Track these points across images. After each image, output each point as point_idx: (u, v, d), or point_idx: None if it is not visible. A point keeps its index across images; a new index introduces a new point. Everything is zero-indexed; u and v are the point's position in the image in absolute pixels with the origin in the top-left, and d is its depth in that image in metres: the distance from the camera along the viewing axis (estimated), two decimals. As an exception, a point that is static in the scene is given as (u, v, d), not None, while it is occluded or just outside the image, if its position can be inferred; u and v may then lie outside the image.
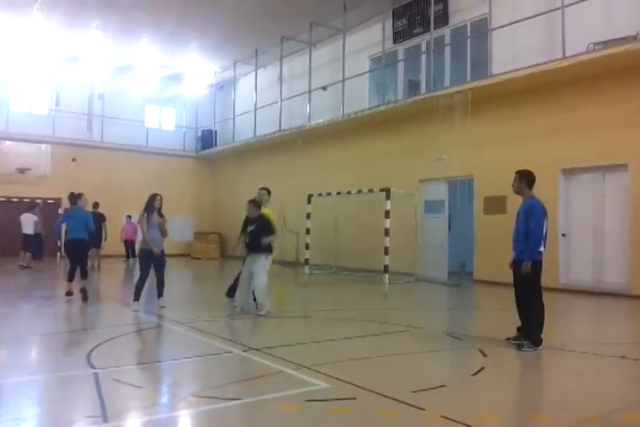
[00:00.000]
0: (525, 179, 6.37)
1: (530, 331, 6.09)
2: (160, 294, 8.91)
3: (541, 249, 6.13)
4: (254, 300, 8.58)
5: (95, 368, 5.02)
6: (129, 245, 18.34)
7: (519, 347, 6.00)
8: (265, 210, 8.97)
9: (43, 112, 21.66)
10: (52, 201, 20.74)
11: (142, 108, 23.76)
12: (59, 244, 15.72)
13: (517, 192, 6.46)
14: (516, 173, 6.46)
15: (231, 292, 9.13)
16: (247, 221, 8.64)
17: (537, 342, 6.01)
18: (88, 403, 4.08)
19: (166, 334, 7.09)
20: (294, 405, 4.07)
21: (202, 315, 8.27)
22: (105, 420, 3.71)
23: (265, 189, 9.39)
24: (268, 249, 8.51)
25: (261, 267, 8.37)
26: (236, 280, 9.03)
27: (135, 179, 21.15)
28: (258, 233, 8.38)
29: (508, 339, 6.30)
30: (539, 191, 12.13)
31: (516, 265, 6.29)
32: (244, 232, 8.61)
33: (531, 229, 6.06)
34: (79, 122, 21.95)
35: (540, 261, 6.17)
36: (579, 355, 6.01)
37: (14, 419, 3.70)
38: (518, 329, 6.32)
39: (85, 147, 21.64)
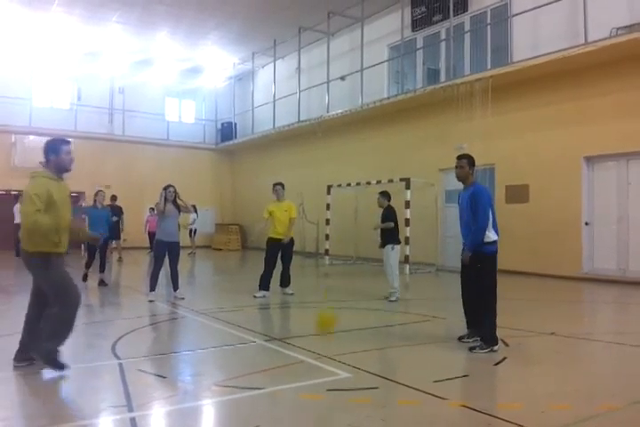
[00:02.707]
0: (472, 163, 5.93)
1: (484, 330, 5.53)
2: (176, 287, 9.02)
3: (495, 238, 5.62)
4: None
5: (120, 359, 5.10)
6: (153, 236, 18.55)
7: (472, 349, 5.46)
8: (285, 203, 9.51)
9: (65, 107, 21.92)
10: (75, 195, 21.00)
11: (162, 101, 23.94)
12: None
13: (464, 178, 5.96)
14: (463, 157, 5.95)
15: (265, 284, 9.35)
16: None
17: (493, 341, 5.47)
18: (113, 393, 4.15)
19: (190, 325, 7.17)
20: (316, 394, 4.10)
21: (224, 305, 8.35)
22: (130, 409, 3.77)
23: (280, 184, 9.68)
24: (391, 240, 8.91)
25: (388, 257, 8.90)
26: (266, 271, 9.32)
27: (156, 172, 21.32)
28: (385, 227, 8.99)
29: (460, 338, 5.87)
30: (562, 179, 12.03)
31: (468, 258, 5.77)
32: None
33: (477, 218, 5.55)
34: (101, 116, 22.19)
35: (496, 252, 5.69)
36: (603, 344, 5.95)
37: (42, 409, 3.78)
38: (468, 325, 5.89)
39: (107, 140, 21.87)
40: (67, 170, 4.86)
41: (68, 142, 4.94)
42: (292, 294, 9.42)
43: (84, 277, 10.82)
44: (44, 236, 4.51)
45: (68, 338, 4.72)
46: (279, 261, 9.49)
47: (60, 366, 4.54)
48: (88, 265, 10.92)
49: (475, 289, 5.77)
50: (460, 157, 5.97)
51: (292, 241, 9.56)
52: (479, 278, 5.69)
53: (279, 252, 9.42)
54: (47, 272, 4.62)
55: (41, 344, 4.60)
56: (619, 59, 10.77)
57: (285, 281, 9.57)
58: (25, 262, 4.67)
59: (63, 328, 4.67)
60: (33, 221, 4.43)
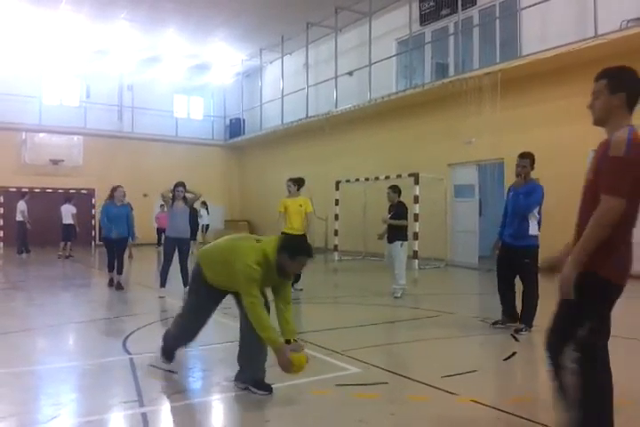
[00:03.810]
0: (533, 161, 6.19)
1: (530, 316, 6.09)
2: (186, 283, 8.97)
3: (538, 233, 6.17)
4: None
5: (131, 354, 5.13)
6: (162, 233, 18.63)
7: (517, 332, 6.00)
8: (300, 199, 9.37)
9: (74, 104, 22.04)
10: (85, 191, 21.15)
11: (171, 98, 24.00)
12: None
13: (525, 176, 6.19)
14: (526, 157, 6.15)
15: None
16: (389, 209, 9.06)
17: (531, 325, 6.09)
18: (124, 388, 4.17)
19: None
20: (325, 389, 4.11)
21: (233, 301, 8.34)
22: (141, 404, 3.80)
23: (291, 179, 9.55)
24: (401, 236, 8.80)
25: (397, 253, 8.76)
26: None
27: (165, 168, 21.37)
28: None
29: (494, 323, 6.31)
30: (571, 174, 11.93)
31: (510, 250, 6.17)
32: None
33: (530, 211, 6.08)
34: (110, 113, 22.29)
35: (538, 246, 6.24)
36: (613, 339, 5.89)
37: (54, 404, 3.81)
38: (504, 314, 6.26)
39: (116, 138, 21.96)
40: (285, 276, 4.01)
41: (309, 255, 3.95)
42: (300, 289, 9.43)
43: (116, 284, 9.65)
44: None
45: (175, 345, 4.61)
46: None
47: (169, 360, 4.56)
48: (111, 267, 9.82)
49: (512, 281, 6.25)
50: (522, 157, 6.20)
51: (304, 236, 9.53)
52: (527, 270, 6.14)
53: None
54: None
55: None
56: (629, 51, 10.64)
57: (296, 276, 9.56)
58: None
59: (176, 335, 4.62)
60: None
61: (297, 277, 9.51)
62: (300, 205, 9.28)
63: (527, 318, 6.10)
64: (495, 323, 6.31)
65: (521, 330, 6.02)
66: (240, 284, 3.91)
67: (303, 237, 9.42)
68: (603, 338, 2.99)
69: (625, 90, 2.86)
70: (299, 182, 9.49)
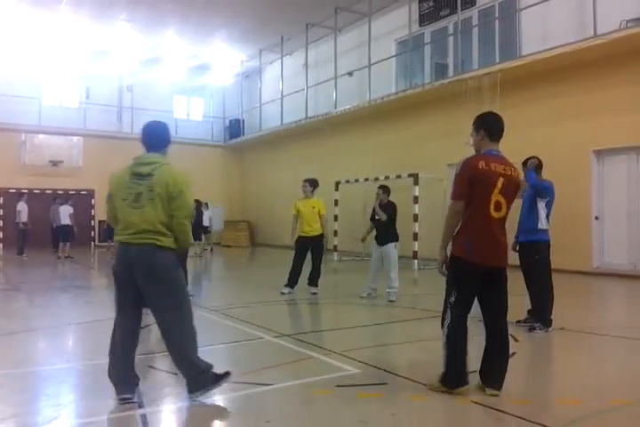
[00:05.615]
0: (540, 166, 6.74)
1: (541, 312, 6.18)
2: (186, 284, 8.90)
3: (546, 227, 6.58)
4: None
5: (130, 355, 5.12)
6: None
7: (531, 329, 6.06)
8: (314, 200, 9.30)
9: (73, 105, 22.04)
10: (84, 192, 21.13)
11: (170, 98, 24.01)
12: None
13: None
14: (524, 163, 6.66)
15: (292, 282, 9.20)
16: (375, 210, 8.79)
17: (548, 323, 6.11)
18: (124, 389, 4.16)
19: (199, 321, 7.11)
20: (325, 390, 4.11)
21: (234, 302, 8.37)
22: (141, 406, 3.80)
23: (307, 180, 9.49)
24: (395, 237, 8.63)
25: (393, 255, 8.56)
26: (294, 269, 9.10)
27: (165, 169, 21.30)
28: (387, 224, 8.55)
29: (518, 322, 6.28)
30: (571, 174, 11.95)
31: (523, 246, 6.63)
32: (373, 221, 8.83)
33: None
34: (109, 114, 22.29)
35: (549, 241, 6.61)
36: (613, 339, 5.93)
37: (53, 405, 3.82)
38: (529, 312, 6.37)
39: (116, 138, 21.92)
40: None
41: None
42: (314, 293, 9.13)
43: None
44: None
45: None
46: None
47: (221, 379, 3.97)
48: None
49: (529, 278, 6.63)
50: (525, 165, 6.77)
51: (321, 237, 9.28)
52: (535, 266, 6.63)
53: (307, 250, 9.20)
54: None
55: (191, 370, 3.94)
56: (628, 51, 10.67)
57: (312, 279, 9.28)
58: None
59: (194, 340, 4.18)
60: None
61: (313, 280, 9.29)
62: (313, 207, 9.16)
63: (539, 314, 6.17)
64: (519, 321, 6.31)
65: (535, 328, 6.06)
66: None
67: (321, 238, 9.30)
68: (460, 303, 4.16)
69: (483, 128, 4.38)
70: (314, 184, 9.39)
